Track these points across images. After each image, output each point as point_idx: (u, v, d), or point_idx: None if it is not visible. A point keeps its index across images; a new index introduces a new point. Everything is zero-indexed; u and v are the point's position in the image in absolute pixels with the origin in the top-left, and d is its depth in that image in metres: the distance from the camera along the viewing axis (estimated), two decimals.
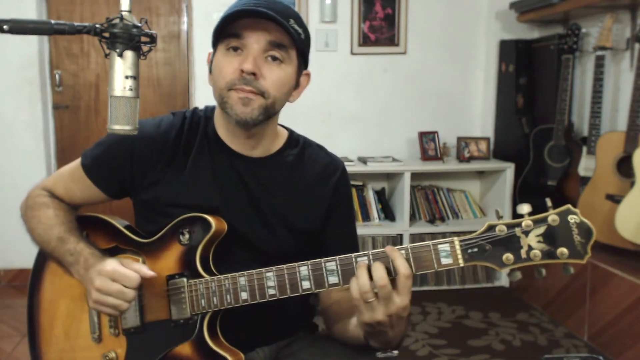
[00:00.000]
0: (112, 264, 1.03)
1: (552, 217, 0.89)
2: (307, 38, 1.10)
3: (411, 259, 0.93)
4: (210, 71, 1.12)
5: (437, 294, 3.30)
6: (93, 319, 1.14)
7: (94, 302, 1.04)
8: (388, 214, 3.50)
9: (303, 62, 1.13)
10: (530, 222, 0.89)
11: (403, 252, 0.93)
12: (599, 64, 2.75)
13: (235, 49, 1.05)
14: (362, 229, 3.33)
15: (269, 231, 1.15)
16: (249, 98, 1.04)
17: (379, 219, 3.49)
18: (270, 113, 1.08)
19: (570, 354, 2.51)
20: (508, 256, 0.90)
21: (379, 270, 0.91)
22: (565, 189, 3.02)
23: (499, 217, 0.92)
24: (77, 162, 1.19)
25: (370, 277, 0.92)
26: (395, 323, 0.94)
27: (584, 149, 2.86)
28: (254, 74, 1.03)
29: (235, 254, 1.13)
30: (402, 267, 0.91)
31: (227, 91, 1.05)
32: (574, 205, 0.89)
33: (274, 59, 1.05)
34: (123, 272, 1.02)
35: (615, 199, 2.54)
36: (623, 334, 2.41)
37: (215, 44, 1.09)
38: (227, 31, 1.05)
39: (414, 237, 3.33)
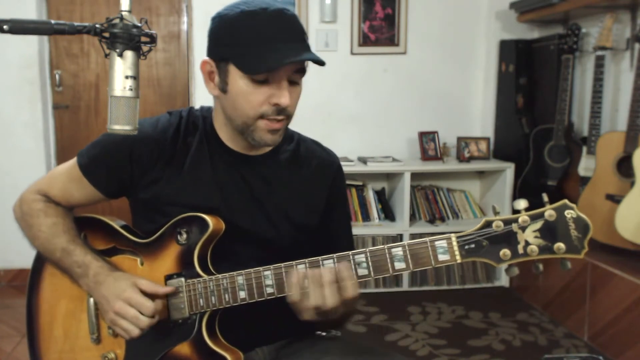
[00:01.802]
0: (130, 292, 1.04)
1: (549, 212, 0.89)
2: None
3: (409, 256, 0.94)
4: (224, 91, 1.06)
5: (437, 294, 3.30)
6: (92, 320, 1.14)
7: (110, 322, 1.08)
8: (388, 214, 3.50)
9: None
10: (527, 218, 0.89)
11: (400, 248, 0.94)
12: (599, 64, 2.75)
13: (264, 80, 1.03)
14: (362, 229, 3.33)
15: (273, 228, 1.15)
16: (280, 128, 1.07)
17: (379, 219, 3.49)
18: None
19: (570, 354, 2.51)
20: (505, 252, 0.90)
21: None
22: (565, 189, 3.02)
23: (496, 213, 0.92)
24: (73, 162, 1.17)
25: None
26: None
27: (584, 149, 2.86)
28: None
29: (239, 252, 1.13)
30: (351, 291, 0.96)
31: (254, 120, 1.05)
32: None
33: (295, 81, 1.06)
34: (140, 300, 1.04)
35: (615, 199, 2.54)
36: (623, 334, 2.41)
37: (225, 59, 1.05)
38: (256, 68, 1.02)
39: (414, 237, 3.21)
